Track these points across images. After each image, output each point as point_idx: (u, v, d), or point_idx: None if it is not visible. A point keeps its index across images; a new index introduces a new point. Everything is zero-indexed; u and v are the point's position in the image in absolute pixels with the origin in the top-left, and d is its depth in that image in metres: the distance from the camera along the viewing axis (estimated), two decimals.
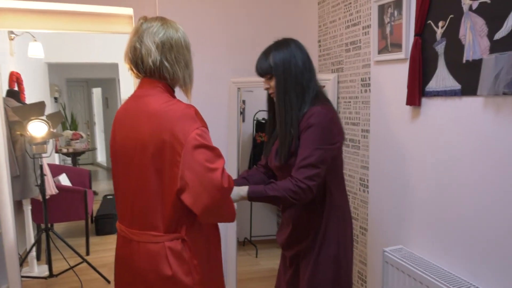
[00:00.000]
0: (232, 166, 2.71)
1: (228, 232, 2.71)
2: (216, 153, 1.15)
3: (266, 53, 1.50)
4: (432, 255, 1.70)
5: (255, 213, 3.80)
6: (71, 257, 3.35)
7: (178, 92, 1.35)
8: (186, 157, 1.12)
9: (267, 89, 1.54)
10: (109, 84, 8.38)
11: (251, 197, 1.44)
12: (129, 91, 5.79)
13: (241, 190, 1.44)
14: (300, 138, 1.44)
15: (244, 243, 3.78)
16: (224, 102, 2.73)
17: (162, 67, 1.25)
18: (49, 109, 5.22)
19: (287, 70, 1.45)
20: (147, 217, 1.23)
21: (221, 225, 2.74)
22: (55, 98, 7.07)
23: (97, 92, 8.75)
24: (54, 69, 7.00)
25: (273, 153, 1.57)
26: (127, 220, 1.29)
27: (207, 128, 1.20)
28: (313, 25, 2.70)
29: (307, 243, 1.53)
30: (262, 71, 1.50)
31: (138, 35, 1.25)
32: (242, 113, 3.62)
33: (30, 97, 4.10)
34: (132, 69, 1.30)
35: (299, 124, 1.45)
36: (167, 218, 1.21)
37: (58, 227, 4.59)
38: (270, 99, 1.59)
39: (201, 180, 1.11)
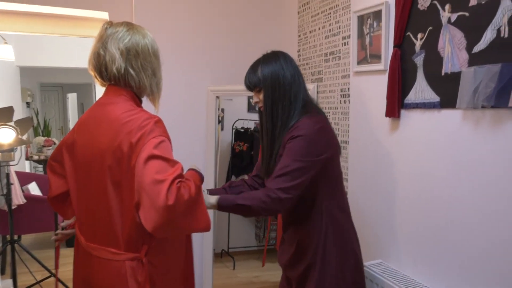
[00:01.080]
0: (209, 175, 2.64)
1: (204, 243, 2.63)
2: (170, 164, 1.04)
3: (255, 66, 1.48)
4: (412, 270, 1.68)
5: (232, 224, 3.72)
6: (39, 271, 3.18)
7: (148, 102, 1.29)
8: (138, 169, 1.03)
9: (256, 102, 1.50)
10: (85, 89, 8.18)
11: (221, 205, 1.35)
12: None
13: (211, 198, 1.37)
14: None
15: (221, 255, 3.70)
16: (202, 111, 2.67)
17: (127, 74, 1.19)
18: (20, 114, 5.03)
19: (276, 83, 1.43)
20: (106, 232, 1.16)
21: (196, 236, 2.66)
22: (28, 103, 6.84)
23: (72, 98, 8.53)
24: (27, 73, 6.79)
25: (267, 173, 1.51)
26: (85, 232, 1.21)
27: (168, 138, 1.12)
28: (293, 34, 2.68)
29: (309, 261, 1.45)
30: (251, 84, 1.47)
31: (102, 41, 1.20)
32: (221, 121, 3.56)
33: None
34: (96, 77, 1.25)
35: (285, 136, 1.41)
36: (126, 234, 1.13)
37: (27, 238, 4.39)
38: (261, 113, 1.54)
39: (148, 194, 0.99)
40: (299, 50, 2.62)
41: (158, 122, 1.13)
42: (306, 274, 1.46)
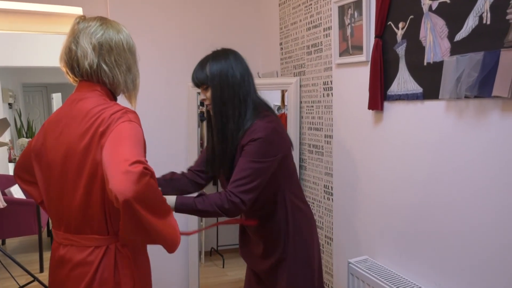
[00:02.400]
0: None
1: (189, 242, 2.57)
2: (137, 150, 1.01)
3: (203, 63, 1.44)
4: (398, 266, 1.64)
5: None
6: (22, 275, 3.10)
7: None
8: (104, 153, 1.00)
9: (203, 100, 1.47)
10: (70, 89, 8.00)
11: (179, 208, 1.34)
12: None
13: (168, 200, 1.32)
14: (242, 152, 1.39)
15: (210, 253, 3.65)
16: (184, 107, 2.60)
17: (100, 70, 1.16)
18: (2, 116, 4.90)
19: (224, 81, 1.40)
20: (84, 221, 1.13)
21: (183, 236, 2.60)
22: (10, 104, 6.70)
23: (57, 98, 8.37)
24: (8, 73, 6.64)
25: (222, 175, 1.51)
26: (63, 228, 1.18)
27: (139, 125, 1.11)
28: (274, 27, 2.61)
29: (280, 252, 1.49)
30: (198, 81, 1.44)
31: (74, 35, 1.16)
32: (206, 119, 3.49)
33: None
34: (68, 73, 1.20)
35: (241, 140, 1.40)
36: (103, 222, 1.13)
37: (11, 242, 4.30)
38: (208, 111, 1.52)
39: (110, 167, 0.95)
40: (281, 43, 2.56)
41: (132, 112, 1.11)
42: (276, 266, 1.50)
